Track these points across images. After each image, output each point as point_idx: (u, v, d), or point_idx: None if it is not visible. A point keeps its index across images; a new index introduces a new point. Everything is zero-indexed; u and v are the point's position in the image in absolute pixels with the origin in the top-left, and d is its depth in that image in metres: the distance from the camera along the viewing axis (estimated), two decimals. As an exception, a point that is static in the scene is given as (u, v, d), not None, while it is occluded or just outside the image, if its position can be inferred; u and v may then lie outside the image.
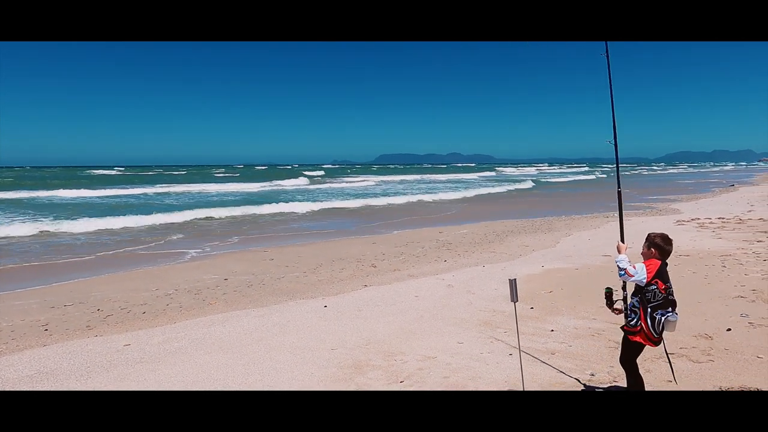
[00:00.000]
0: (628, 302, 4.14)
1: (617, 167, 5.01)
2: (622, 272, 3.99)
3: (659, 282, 3.93)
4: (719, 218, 16.97)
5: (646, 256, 4.10)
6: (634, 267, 3.98)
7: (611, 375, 4.90)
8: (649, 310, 3.94)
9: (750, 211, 18.99)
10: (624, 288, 4.22)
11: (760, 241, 12.00)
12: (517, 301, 4.04)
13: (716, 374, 4.81)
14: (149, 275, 10.74)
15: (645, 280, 3.92)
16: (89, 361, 5.75)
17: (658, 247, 4.05)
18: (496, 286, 8.63)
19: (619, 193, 4.95)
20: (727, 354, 5.22)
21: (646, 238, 4.15)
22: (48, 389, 4.99)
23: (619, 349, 4.31)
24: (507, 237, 14.80)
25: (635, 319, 4.03)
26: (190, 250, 13.81)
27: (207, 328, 6.88)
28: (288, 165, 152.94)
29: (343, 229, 18.59)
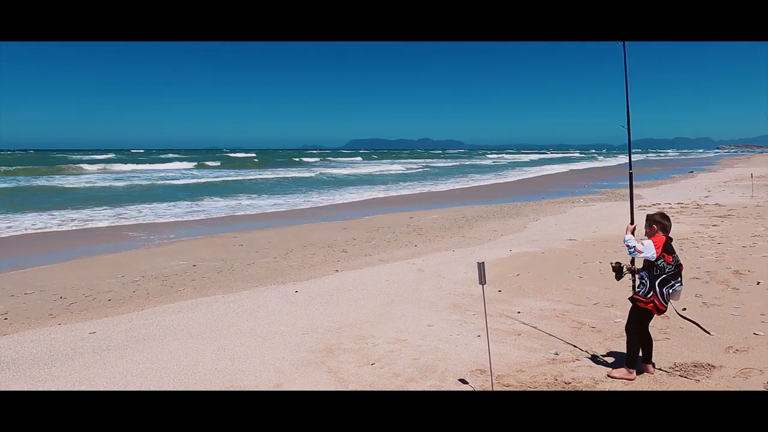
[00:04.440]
0: (638, 275, 4.47)
1: (629, 149, 5.23)
2: (632, 250, 4.34)
3: (666, 255, 4.27)
4: (678, 203, 17.63)
5: (650, 235, 4.42)
6: (643, 244, 4.31)
7: (574, 354, 5.09)
8: (657, 283, 4.28)
9: (707, 196, 19.78)
10: (632, 262, 4.58)
11: (715, 225, 12.55)
12: (485, 284, 4.14)
13: (672, 351, 5.05)
14: (114, 262, 10.49)
15: (655, 255, 4.25)
16: (53, 350, 5.62)
17: (659, 223, 4.40)
18: (465, 270, 8.79)
19: (631, 174, 5.21)
20: (682, 332, 5.48)
21: (646, 220, 4.47)
22: (9, 378, 4.86)
23: (626, 318, 4.65)
24: (476, 222, 15.03)
25: (645, 290, 4.35)
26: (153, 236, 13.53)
27: (176, 315, 6.80)
28: (250, 151, 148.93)
29: (308, 213, 18.50)
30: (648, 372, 4.54)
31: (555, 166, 57.19)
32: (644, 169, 46.55)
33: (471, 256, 9.98)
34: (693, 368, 4.61)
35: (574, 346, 5.28)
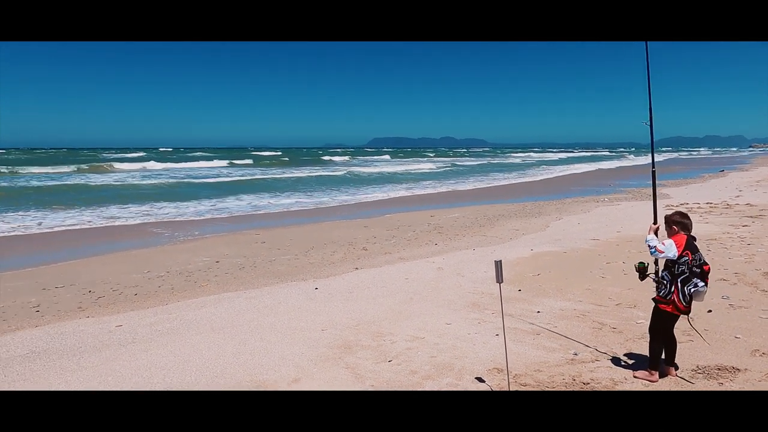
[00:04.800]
0: (660, 275, 4.42)
1: (652, 148, 5.17)
2: (653, 250, 4.28)
3: (689, 254, 4.22)
4: (707, 203, 17.17)
5: (671, 234, 4.38)
6: (664, 244, 4.26)
7: (594, 355, 5.03)
8: (679, 282, 4.23)
9: (738, 196, 19.22)
10: (656, 263, 4.52)
11: (746, 226, 12.20)
12: (503, 281, 4.13)
13: (695, 353, 4.95)
14: (140, 257, 10.75)
15: (676, 254, 4.20)
16: (81, 342, 5.81)
17: (678, 223, 4.36)
18: (485, 269, 8.74)
19: (653, 173, 5.15)
20: (706, 334, 5.36)
21: (665, 222, 4.42)
22: (39, 368, 5.05)
23: (649, 320, 4.59)
24: (498, 221, 14.92)
25: (666, 291, 4.30)
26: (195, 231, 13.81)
27: (199, 310, 6.95)
28: (275, 149, 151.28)
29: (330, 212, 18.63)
30: (670, 374, 4.46)
31: (581, 165, 56.26)
32: (672, 168, 45.46)
33: (491, 255, 9.92)
34: (717, 371, 4.51)
35: (594, 347, 5.22)
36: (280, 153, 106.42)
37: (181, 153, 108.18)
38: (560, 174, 41.51)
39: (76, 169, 43.36)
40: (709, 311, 6.12)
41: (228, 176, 37.72)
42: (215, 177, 36.88)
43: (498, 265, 4.09)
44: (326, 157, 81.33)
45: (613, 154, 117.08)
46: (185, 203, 20.92)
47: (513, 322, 6.04)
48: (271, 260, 10.28)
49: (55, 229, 14.71)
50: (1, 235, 13.69)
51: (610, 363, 4.81)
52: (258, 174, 40.50)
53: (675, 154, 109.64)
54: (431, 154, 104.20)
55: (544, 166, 54.68)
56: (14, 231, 14.28)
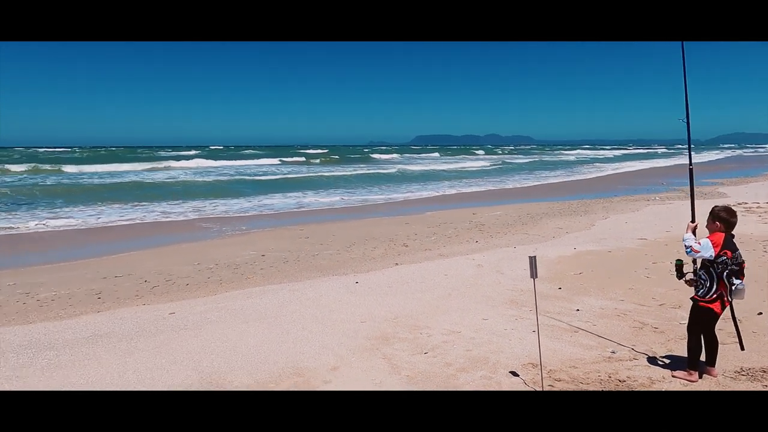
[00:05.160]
0: (696, 274, 4.35)
1: (689, 145, 5.04)
2: (689, 249, 4.22)
3: (728, 252, 4.13)
4: (768, 202, 16.29)
5: (712, 230, 4.28)
6: (699, 243, 4.18)
7: (632, 354, 4.97)
8: (724, 277, 4.15)
9: (803, 195, 18.11)
10: (694, 262, 4.43)
11: (809, 227, 11.53)
12: (537, 277, 4.17)
13: (740, 355, 4.80)
14: (190, 250, 11.31)
15: (713, 254, 4.12)
16: (138, 327, 6.23)
17: (723, 219, 4.23)
18: (525, 266, 8.62)
19: (691, 170, 5.03)
20: (754, 336, 5.19)
21: (710, 212, 4.31)
22: (102, 349, 5.47)
23: (687, 320, 4.53)
24: (541, 219, 14.71)
25: (705, 290, 4.24)
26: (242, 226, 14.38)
27: (245, 300, 7.29)
28: (324, 147, 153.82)
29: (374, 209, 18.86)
30: (711, 375, 4.37)
31: (633, 163, 54.25)
32: (730, 166, 43.12)
33: (533, 253, 9.80)
34: (761, 373, 4.38)
35: (633, 346, 5.16)
36: (327, 150, 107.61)
37: (231, 151, 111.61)
38: (612, 172, 40.20)
39: (134, 166, 45.59)
40: (759, 313, 5.90)
41: (277, 174, 38.64)
42: (263, 174, 37.90)
43: (532, 261, 4.14)
44: (375, 155, 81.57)
45: (671, 151, 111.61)
46: (234, 200, 21.72)
47: (551, 319, 6.03)
48: (314, 255, 10.59)
49: (114, 223, 15.64)
50: (68, 228, 14.71)
51: (648, 362, 4.75)
52: (306, 172, 41.29)
53: (739, 151, 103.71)
54: (480, 152, 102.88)
55: (598, 164, 53.11)
56: (78, 225, 15.29)
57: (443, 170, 44.16)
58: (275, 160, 59.47)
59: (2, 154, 79.74)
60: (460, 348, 5.27)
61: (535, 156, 79.29)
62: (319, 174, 37.99)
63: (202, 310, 6.89)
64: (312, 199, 22.35)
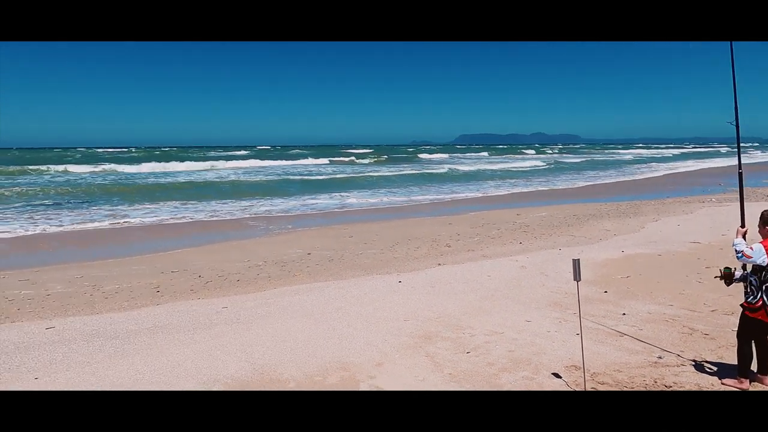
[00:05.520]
0: (748, 280, 4.26)
1: (738, 148, 4.92)
2: (740, 255, 4.12)
3: None
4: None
5: (764, 235, 4.18)
6: (751, 248, 4.08)
7: (680, 360, 4.89)
8: (765, 287, 4.05)
9: None
10: (744, 268, 4.35)
11: None
12: (580, 280, 4.18)
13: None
14: (240, 248, 11.78)
15: (766, 261, 4.03)
16: (194, 320, 6.61)
17: None
18: (569, 269, 8.53)
19: (740, 174, 4.91)
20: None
21: (761, 217, 4.22)
22: (161, 339, 5.85)
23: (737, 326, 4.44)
24: (588, 220, 14.42)
25: (753, 297, 4.15)
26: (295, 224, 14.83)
27: (292, 297, 7.57)
28: (369, 147, 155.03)
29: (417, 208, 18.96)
30: (763, 384, 4.26)
31: (691, 162, 51.91)
32: (799, 166, 40.56)
33: (578, 255, 9.65)
34: (818, 384, 4.23)
35: (681, 352, 5.06)
36: (372, 150, 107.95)
37: (278, 151, 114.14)
38: (666, 172, 38.65)
39: (187, 166, 47.46)
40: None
41: (323, 174, 39.23)
42: (309, 174, 38.64)
43: (576, 263, 4.16)
44: (423, 155, 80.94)
45: (734, 149, 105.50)
46: (281, 199, 22.34)
47: (595, 323, 5.98)
48: (358, 254, 10.82)
49: (168, 221, 16.43)
50: (127, 226, 15.59)
51: (696, 369, 4.66)
52: (352, 172, 41.73)
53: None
54: (529, 151, 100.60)
55: (653, 164, 51.20)
56: (135, 222, 16.17)
57: (496, 170, 43.54)
58: (324, 160, 60.38)
59: (65, 154, 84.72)
60: (503, 348, 5.32)
61: (587, 155, 76.91)
62: (367, 174, 38.27)
63: (252, 305, 7.22)
64: (355, 199, 22.67)
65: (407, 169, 43.18)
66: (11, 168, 41.89)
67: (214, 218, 16.93)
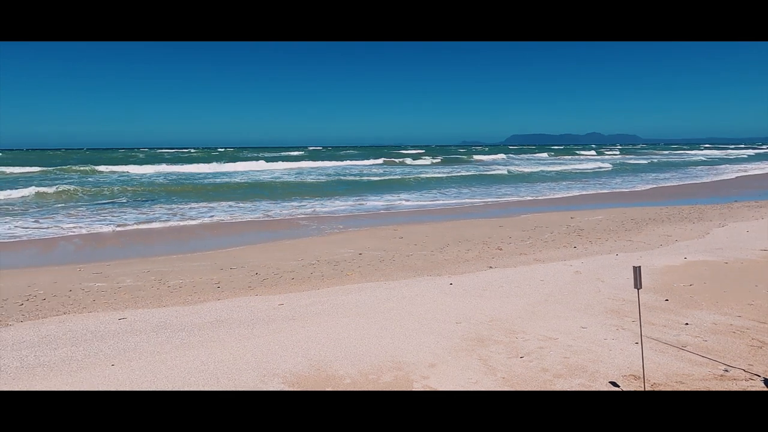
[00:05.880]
0: None
1: None
2: None
3: None
4: None
5: None
6: None
7: (748, 374, 4.67)
8: None
9: None
10: None
11: None
12: (641, 287, 4.09)
13: None
14: (293, 246, 12.12)
15: None
16: (253, 315, 6.90)
17: None
18: (628, 275, 8.34)
19: None
20: None
21: None
22: (223, 333, 6.15)
23: None
24: (647, 225, 13.88)
25: None
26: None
27: (345, 296, 7.75)
28: (420, 147, 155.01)
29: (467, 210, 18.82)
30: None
31: (764, 164, 48.71)
32: None
33: (637, 261, 9.39)
34: None
35: (750, 366, 4.83)
36: (423, 151, 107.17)
37: (330, 151, 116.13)
38: (737, 174, 36.45)
39: (263, 166, 49.10)
40: None
41: (376, 175, 39.49)
42: (360, 175, 39.09)
43: (637, 270, 4.07)
44: (478, 157, 79.33)
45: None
46: (332, 199, 22.75)
47: (656, 332, 5.79)
48: (409, 255, 10.90)
49: (225, 220, 17.11)
50: (186, 223, 16.36)
51: (765, 384, 4.44)
52: (403, 173, 41.88)
53: None
54: (588, 152, 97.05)
55: (724, 165, 48.45)
56: (194, 220, 16.93)
57: (560, 171, 42.25)
58: (378, 161, 60.84)
59: (129, 155, 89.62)
60: (557, 355, 5.26)
61: (651, 156, 73.35)
62: (421, 176, 38.10)
63: (307, 303, 7.44)
64: (407, 200, 22.77)
65: (462, 170, 42.76)
66: (82, 168, 44.77)
67: (268, 218, 17.48)
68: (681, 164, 52.63)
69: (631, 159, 64.86)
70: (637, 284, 4.07)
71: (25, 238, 13.80)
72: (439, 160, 65.07)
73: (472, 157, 75.02)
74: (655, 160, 60.89)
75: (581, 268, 9.06)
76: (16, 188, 25.36)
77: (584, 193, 25.16)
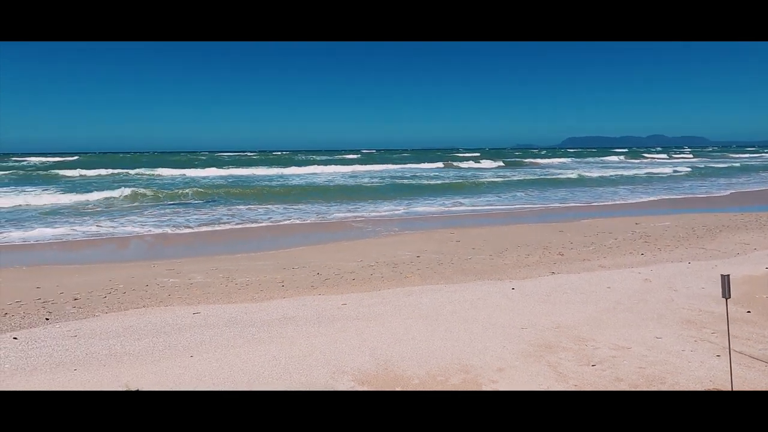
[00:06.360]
0: None
1: None
2: None
3: None
4: None
5: None
6: None
7: None
8: None
9: None
10: None
11: None
12: (729, 297, 3.89)
13: None
14: (352, 248, 12.30)
15: None
16: (318, 314, 7.07)
17: None
18: (703, 284, 7.94)
19: None
20: None
21: None
22: (291, 330, 6.34)
23: None
24: (721, 232, 13.13)
25: None
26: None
27: (406, 297, 7.80)
28: (475, 150, 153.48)
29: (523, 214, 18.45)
30: None
31: None
32: None
33: (712, 270, 8.91)
34: None
35: None
36: (478, 154, 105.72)
37: (384, 154, 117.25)
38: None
39: (318, 170, 50.30)
40: None
41: (434, 179, 39.09)
42: (413, 179, 39.10)
43: (725, 279, 3.88)
44: (537, 160, 76.06)
45: None
46: (387, 202, 22.93)
47: (739, 344, 5.48)
48: (467, 258, 10.82)
49: (282, 222, 17.60)
50: (247, 225, 16.96)
51: None
52: (460, 177, 41.28)
53: None
54: (660, 156, 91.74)
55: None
56: (253, 222, 17.52)
57: (629, 175, 40.28)
58: (438, 164, 60.55)
59: (191, 158, 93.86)
60: (632, 365, 5.08)
61: (731, 160, 68.18)
62: (480, 180, 37.17)
63: (369, 303, 7.55)
64: (462, 205, 22.61)
65: (529, 174, 41.72)
66: (149, 171, 47.30)
67: (324, 220, 17.83)
68: (762, 167, 48.95)
69: (707, 162, 60.74)
70: (726, 293, 3.88)
71: (106, 236, 14.77)
72: (501, 164, 63.82)
73: (531, 161, 72.80)
74: (738, 164, 56.36)
75: (651, 275, 8.70)
76: (103, 190, 26.73)
77: (644, 199, 24.08)
